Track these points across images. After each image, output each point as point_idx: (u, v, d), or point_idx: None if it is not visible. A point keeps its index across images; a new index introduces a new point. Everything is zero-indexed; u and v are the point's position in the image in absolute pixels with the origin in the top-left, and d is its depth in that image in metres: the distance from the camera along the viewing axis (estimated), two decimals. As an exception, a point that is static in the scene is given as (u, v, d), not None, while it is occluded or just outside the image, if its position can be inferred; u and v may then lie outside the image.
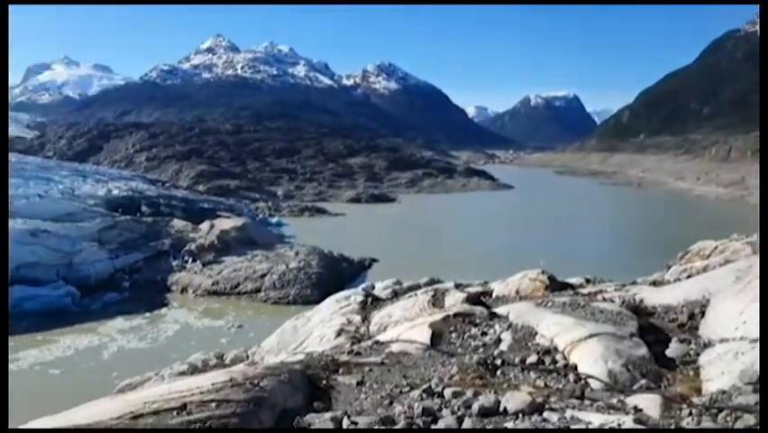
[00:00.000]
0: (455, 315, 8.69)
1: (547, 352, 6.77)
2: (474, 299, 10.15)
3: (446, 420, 4.70)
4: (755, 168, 78.58)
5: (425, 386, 5.68)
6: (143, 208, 42.33)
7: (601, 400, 5.32)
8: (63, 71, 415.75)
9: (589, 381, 5.91)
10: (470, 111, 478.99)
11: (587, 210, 70.74)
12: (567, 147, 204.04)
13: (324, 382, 6.16)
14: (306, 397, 5.72)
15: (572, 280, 12.02)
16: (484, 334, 7.90)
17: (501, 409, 4.85)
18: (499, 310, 8.87)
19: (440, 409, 4.97)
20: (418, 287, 13.64)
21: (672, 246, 19.15)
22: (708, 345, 6.47)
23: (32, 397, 15.86)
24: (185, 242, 34.28)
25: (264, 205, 62.95)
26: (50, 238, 28.65)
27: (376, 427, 4.66)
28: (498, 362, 6.66)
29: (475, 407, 4.86)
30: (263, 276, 29.23)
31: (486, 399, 5.02)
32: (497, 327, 8.03)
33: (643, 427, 4.39)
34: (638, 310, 7.95)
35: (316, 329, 11.32)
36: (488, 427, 4.61)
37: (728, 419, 4.46)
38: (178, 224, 37.91)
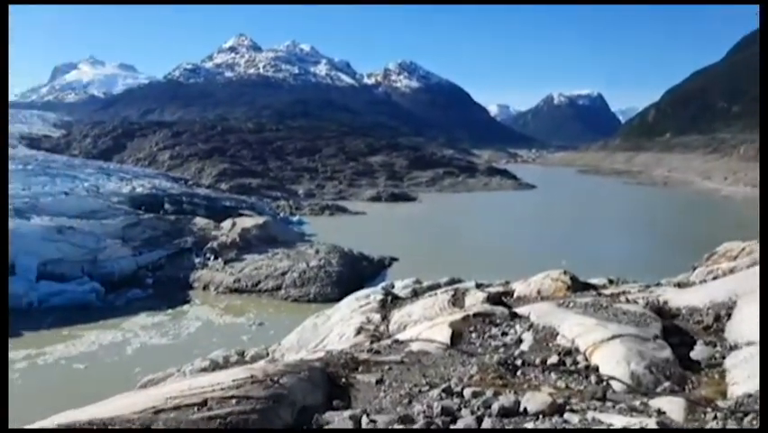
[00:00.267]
0: (475, 315, 8.64)
1: (568, 353, 6.70)
2: (495, 299, 10.08)
3: (465, 420, 4.68)
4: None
5: (444, 385, 5.66)
6: (166, 206, 42.88)
7: (623, 402, 5.25)
8: (89, 71, 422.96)
9: (611, 382, 5.83)
10: (493, 109, 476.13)
11: (610, 210, 69.84)
12: (590, 146, 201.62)
13: (344, 380, 6.17)
14: (325, 395, 5.73)
15: (595, 281, 11.87)
16: (505, 334, 7.85)
17: (521, 409, 4.81)
18: (520, 310, 8.80)
19: (459, 409, 4.94)
20: (438, 286, 13.59)
21: (697, 247, 18.80)
22: (734, 347, 6.34)
23: (58, 391, 16.20)
24: (207, 240, 34.64)
25: (285, 203, 63.33)
26: (75, 235, 29.19)
27: (395, 425, 4.65)
28: (519, 362, 6.61)
29: (495, 407, 4.83)
30: (284, 274, 29.41)
31: (506, 399, 4.98)
32: (517, 327, 7.97)
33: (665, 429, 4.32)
34: (662, 312, 7.82)
35: (336, 327, 11.36)
36: (507, 427, 4.58)
37: (754, 422, 4.37)
38: (200, 222, 38.32)
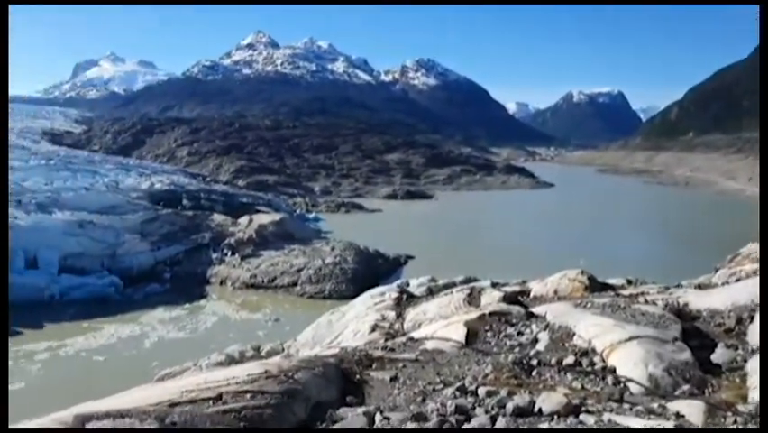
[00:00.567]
0: (491, 314, 8.60)
1: (585, 353, 6.63)
2: (511, 299, 10.02)
3: (479, 419, 4.65)
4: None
5: (458, 384, 5.63)
6: (184, 202, 43.25)
7: (641, 404, 5.18)
8: (110, 67, 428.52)
9: (629, 384, 5.76)
10: (511, 107, 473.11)
11: (630, 210, 69.06)
12: (610, 145, 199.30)
13: (358, 376, 6.17)
14: (339, 391, 5.74)
15: (613, 282, 11.74)
16: (520, 333, 7.79)
17: (536, 409, 4.77)
18: (537, 310, 8.74)
19: (473, 408, 4.92)
20: (454, 285, 13.54)
21: (720, 248, 18.46)
22: (756, 351, 6.23)
23: (78, 382, 16.44)
24: (224, 235, 34.89)
25: (301, 200, 63.56)
26: (95, 230, 29.58)
27: (408, 423, 4.64)
28: (534, 362, 6.56)
29: (509, 406, 4.80)
30: (300, 270, 29.53)
31: (520, 399, 4.95)
32: (533, 326, 7.91)
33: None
34: (682, 314, 7.71)
35: (351, 324, 11.37)
36: (521, 427, 4.54)
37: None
38: (217, 218, 38.61)
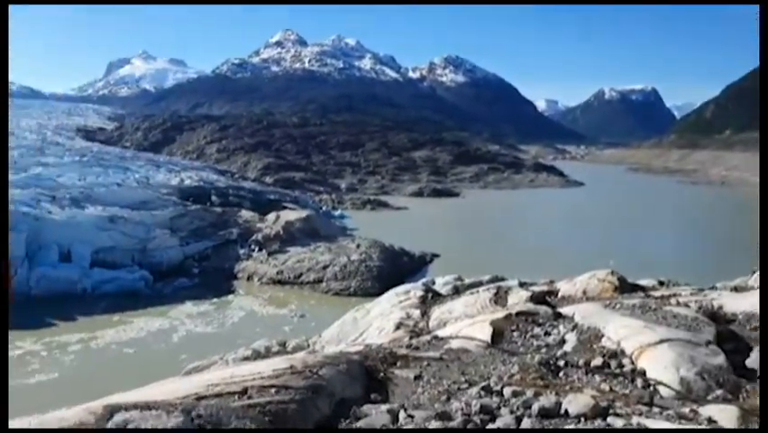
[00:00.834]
0: (518, 313, 8.49)
1: (614, 355, 6.50)
2: (539, 299, 9.88)
3: (504, 419, 4.60)
4: None
5: (483, 384, 5.58)
6: (213, 198, 43.83)
7: (672, 408, 5.05)
8: (141, 65, 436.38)
9: (659, 388, 5.63)
10: (540, 104, 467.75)
11: (662, 210, 67.65)
12: (643, 143, 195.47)
13: (382, 374, 6.16)
14: (363, 388, 5.74)
15: (644, 283, 11.47)
16: (547, 334, 7.68)
17: (562, 411, 4.69)
18: (564, 310, 8.60)
19: (498, 408, 4.86)
20: (480, 284, 13.42)
21: (757, 250, 17.99)
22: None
23: (109, 374, 16.80)
24: (252, 232, 35.27)
25: (328, 197, 63.87)
26: (126, 225, 30.19)
27: (433, 421, 4.61)
28: (561, 363, 6.46)
29: (535, 407, 4.73)
30: (325, 267, 29.68)
31: (546, 400, 4.87)
32: (561, 327, 7.78)
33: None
34: (716, 317, 7.49)
35: (376, 322, 11.36)
36: (547, 428, 4.48)
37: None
38: (245, 214, 39.05)
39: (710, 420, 4.68)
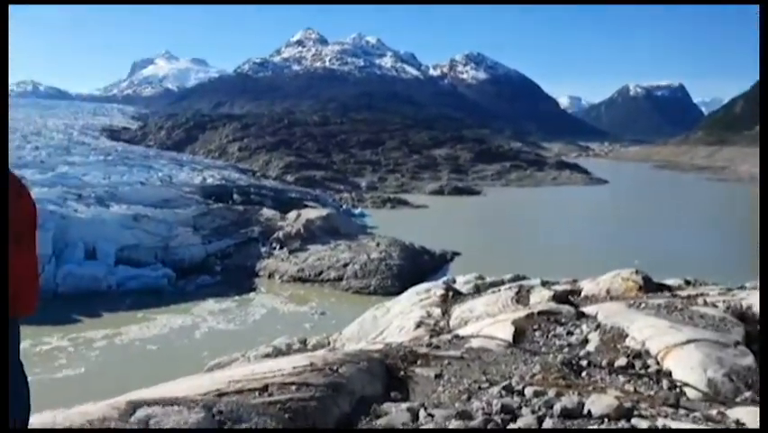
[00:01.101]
0: (540, 313, 8.40)
1: (638, 355, 6.39)
2: (561, 298, 9.76)
3: (526, 419, 4.55)
4: None
5: (504, 383, 5.53)
6: (235, 197, 44.23)
7: (699, 410, 4.95)
8: (164, 65, 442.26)
9: (685, 389, 5.52)
10: (563, 101, 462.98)
11: (689, 207, 66.40)
12: (669, 140, 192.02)
13: (402, 372, 6.14)
14: (383, 386, 5.73)
15: (670, 282, 11.28)
16: (570, 333, 7.58)
17: (585, 411, 4.63)
18: (587, 310, 8.48)
19: (519, 408, 4.81)
20: (502, 283, 13.33)
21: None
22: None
23: (133, 370, 17.05)
24: (273, 230, 35.50)
25: (348, 195, 63.99)
26: (149, 223, 30.61)
27: (453, 420, 4.58)
28: (584, 363, 6.37)
29: (557, 407, 4.67)
30: (346, 265, 29.74)
31: (569, 400, 4.81)
32: (584, 326, 7.68)
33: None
34: (745, 317, 7.32)
35: (396, 320, 11.34)
36: (570, 428, 4.42)
37: None
38: (266, 212, 39.32)
39: (738, 423, 4.57)
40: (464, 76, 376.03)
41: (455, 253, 35.18)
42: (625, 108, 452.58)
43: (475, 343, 7.43)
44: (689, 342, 6.15)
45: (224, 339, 20.31)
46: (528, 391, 5.21)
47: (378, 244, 32.93)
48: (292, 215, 38.64)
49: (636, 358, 6.33)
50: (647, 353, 6.39)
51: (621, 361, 6.30)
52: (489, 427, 4.48)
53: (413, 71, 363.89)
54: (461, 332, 8.39)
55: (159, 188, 38.71)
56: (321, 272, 29.72)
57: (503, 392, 5.30)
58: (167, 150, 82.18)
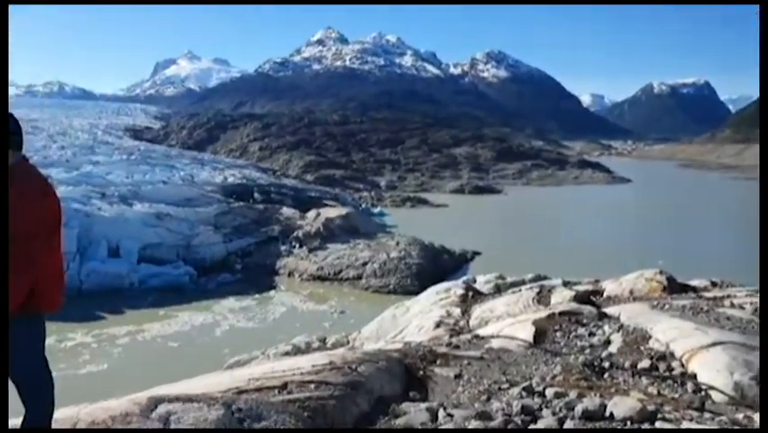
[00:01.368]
0: (561, 313, 8.31)
1: (662, 358, 6.28)
2: (583, 298, 9.63)
3: (546, 421, 4.49)
4: None
5: (525, 384, 5.47)
6: (256, 196, 44.54)
7: (725, 414, 4.85)
8: (186, 65, 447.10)
9: (711, 393, 5.41)
10: (585, 99, 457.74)
11: (715, 207, 65.09)
12: (694, 138, 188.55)
13: (421, 372, 6.11)
14: (402, 385, 5.70)
15: (695, 283, 11.07)
16: (592, 334, 7.48)
17: (607, 413, 4.55)
18: (610, 311, 8.36)
19: (540, 409, 4.76)
20: (523, 283, 13.21)
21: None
22: None
23: (154, 366, 17.26)
24: (293, 228, 35.67)
25: (367, 195, 64.03)
26: (171, 221, 30.97)
27: (473, 421, 4.54)
28: (606, 364, 6.28)
29: (578, 409, 4.60)
30: (365, 264, 29.76)
31: (590, 402, 4.74)
32: (606, 327, 7.57)
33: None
34: (773, 319, 7.16)
35: (415, 319, 11.30)
36: (592, 428, 4.36)
37: None
38: (286, 211, 39.53)
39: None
40: (485, 74, 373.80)
41: (475, 253, 34.99)
42: (649, 106, 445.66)
43: (495, 343, 7.37)
44: (715, 344, 6.03)
45: (243, 337, 20.46)
46: (549, 393, 5.15)
47: (397, 244, 32.90)
48: (312, 214, 38.79)
49: (660, 360, 6.22)
50: (671, 355, 6.27)
51: (644, 363, 6.19)
52: (509, 427, 4.43)
53: (433, 70, 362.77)
54: (481, 332, 8.33)
55: (181, 187, 39.13)
56: (340, 271, 29.79)
57: (523, 393, 5.25)
58: (188, 149, 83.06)
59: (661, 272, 10.44)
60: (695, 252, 36.15)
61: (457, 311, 10.81)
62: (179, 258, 29.37)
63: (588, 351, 6.93)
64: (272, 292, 27.47)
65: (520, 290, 11.27)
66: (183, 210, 33.06)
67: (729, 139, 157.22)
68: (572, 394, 5.06)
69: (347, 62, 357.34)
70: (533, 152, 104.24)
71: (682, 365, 6.01)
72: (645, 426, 4.38)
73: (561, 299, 9.83)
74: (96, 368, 17.89)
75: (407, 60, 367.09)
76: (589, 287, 11.32)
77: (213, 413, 4.19)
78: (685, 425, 4.46)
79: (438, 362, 6.46)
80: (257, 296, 26.45)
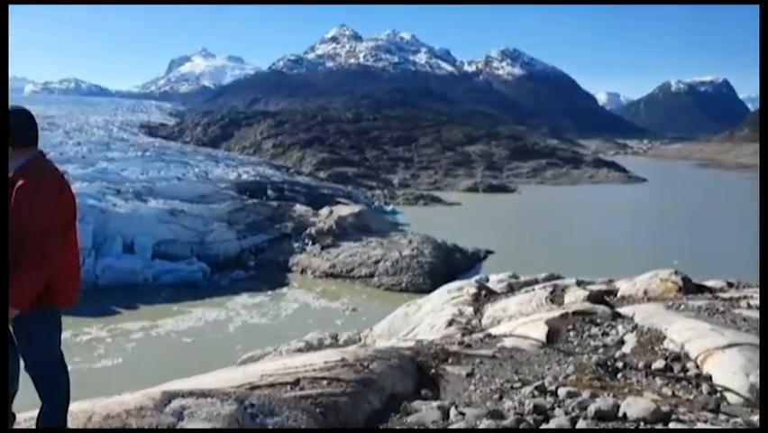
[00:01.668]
0: (575, 312, 8.26)
1: (676, 358, 6.22)
2: (597, 298, 9.57)
3: (558, 420, 4.47)
4: None
5: (537, 383, 5.44)
6: (269, 193, 44.72)
7: (740, 416, 4.79)
8: (201, 63, 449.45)
9: (726, 394, 5.35)
10: (601, 98, 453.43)
11: (732, 207, 64.23)
12: (712, 137, 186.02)
13: (433, 370, 6.10)
14: (414, 383, 5.70)
15: (711, 284, 10.95)
16: (605, 334, 7.43)
17: (620, 414, 4.52)
18: (624, 311, 8.30)
19: (552, 409, 4.74)
20: (536, 282, 13.15)
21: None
22: None
23: (168, 361, 17.42)
24: (305, 226, 35.79)
25: (380, 192, 63.97)
26: (185, 218, 31.20)
27: (484, 420, 4.53)
28: (620, 365, 6.23)
29: (591, 409, 4.57)
30: (377, 262, 29.79)
31: (603, 402, 4.71)
32: (620, 327, 7.51)
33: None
34: (790, 320, 7.06)
35: (427, 318, 11.30)
36: (605, 428, 4.33)
37: None
38: (299, 208, 39.66)
39: (784, 431, 4.39)
40: (500, 72, 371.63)
41: (488, 252, 34.86)
42: (665, 105, 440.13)
43: (508, 342, 7.35)
44: (730, 346, 5.95)
45: (256, 333, 20.58)
46: (562, 392, 5.13)
47: (410, 242, 32.87)
48: (324, 211, 38.89)
49: (675, 361, 6.17)
50: (686, 356, 6.21)
51: (658, 363, 6.14)
52: (521, 427, 4.42)
53: (447, 67, 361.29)
54: (494, 331, 8.31)
55: (195, 184, 39.39)
56: (352, 269, 29.84)
57: (536, 393, 5.23)
58: (203, 146, 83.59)
59: (676, 273, 10.34)
60: (711, 252, 35.75)
61: (469, 310, 10.78)
62: (193, 254, 29.57)
63: (601, 351, 6.88)
64: (285, 289, 27.59)
65: (533, 290, 11.22)
66: (197, 207, 33.28)
67: (748, 138, 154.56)
68: (585, 394, 5.03)
69: (361, 60, 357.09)
70: (547, 151, 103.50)
71: (697, 366, 5.95)
72: (659, 426, 4.34)
73: (574, 298, 9.77)
74: (111, 362, 18.09)
75: (421, 58, 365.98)
76: (603, 287, 11.25)
77: (226, 408, 4.22)
78: (699, 426, 4.42)
79: (450, 360, 6.45)
80: (270, 292, 26.57)
